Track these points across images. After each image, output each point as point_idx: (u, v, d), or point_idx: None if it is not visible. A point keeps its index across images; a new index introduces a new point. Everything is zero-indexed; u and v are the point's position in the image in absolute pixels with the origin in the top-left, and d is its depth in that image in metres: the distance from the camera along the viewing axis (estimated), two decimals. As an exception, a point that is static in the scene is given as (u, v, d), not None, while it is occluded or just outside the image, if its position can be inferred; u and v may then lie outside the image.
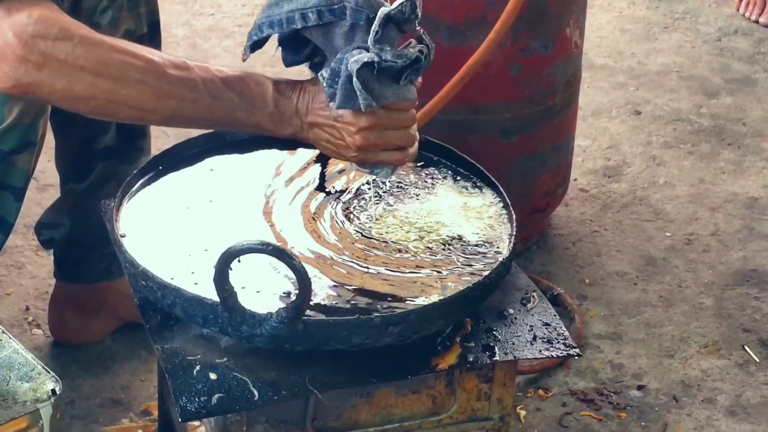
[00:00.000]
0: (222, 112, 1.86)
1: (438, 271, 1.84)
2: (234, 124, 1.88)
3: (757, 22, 4.30)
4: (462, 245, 1.90)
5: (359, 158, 1.87)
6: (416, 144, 1.91)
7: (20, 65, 1.79)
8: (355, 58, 1.76)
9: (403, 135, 1.87)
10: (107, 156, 2.46)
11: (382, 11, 1.76)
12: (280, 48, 1.93)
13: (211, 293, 1.69)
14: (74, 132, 2.29)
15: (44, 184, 3.12)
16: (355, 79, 1.76)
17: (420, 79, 1.87)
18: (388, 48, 1.77)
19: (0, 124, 2.03)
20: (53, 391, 1.64)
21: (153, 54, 1.85)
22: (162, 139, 3.40)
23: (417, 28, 1.83)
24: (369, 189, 2.01)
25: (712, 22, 4.31)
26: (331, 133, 1.86)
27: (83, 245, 2.55)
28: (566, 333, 1.84)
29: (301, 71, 2.00)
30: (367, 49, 1.77)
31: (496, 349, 1.79)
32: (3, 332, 1.72)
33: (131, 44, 1.86)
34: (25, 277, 2.86)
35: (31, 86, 1.81)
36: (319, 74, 1.83)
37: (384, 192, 2.01)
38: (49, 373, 1.67)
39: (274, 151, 2.10)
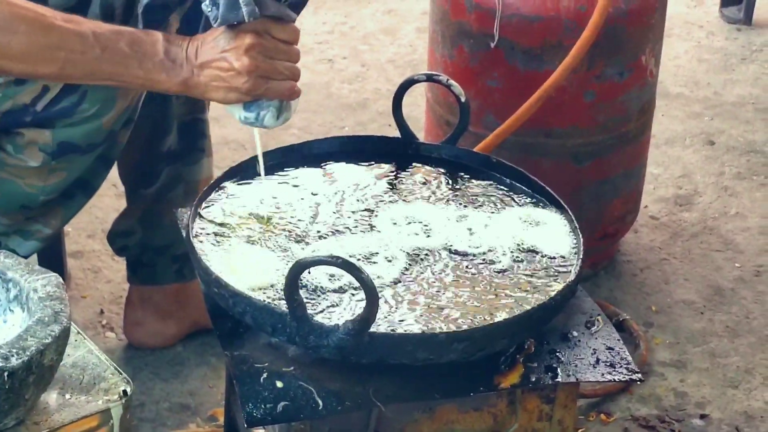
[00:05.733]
0: (112, 64, 1.87)
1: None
2: (125, 76, 1.89)
3: (836, 56, 4.28)
4: (525, 268, 1.92)
5: (250, 85, 1.87)
6: (298, 86, 1.93)
7: None
8: None
9: (290, 67, 1.90)
10: (171, 159, 2.50)
11: None
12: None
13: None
14: (136, 135, 2.33)
15: (122, 191, 3.17)
16: None
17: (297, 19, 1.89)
18: None
19: (111, 109, 2.10)
20: (124, 392, 1.66)
21: (41, 8, 1.86)
22: (239, 152, 3.46)
23: None
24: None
25: (791, 55, 4.30)
26: (221, 66, 1.87)
27: (155, 248, 2.59)
28: (629, 357, 1.85)
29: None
30: None
31: (559, 370, 1.80)
32: (78, 333, 1.76)
33: None
34: (101, 281, 2.92)
35: None
36: (203, 4, 1.86)
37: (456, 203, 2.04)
38: (121, 374, 1.70)
39: (356, 166, 2.15)
